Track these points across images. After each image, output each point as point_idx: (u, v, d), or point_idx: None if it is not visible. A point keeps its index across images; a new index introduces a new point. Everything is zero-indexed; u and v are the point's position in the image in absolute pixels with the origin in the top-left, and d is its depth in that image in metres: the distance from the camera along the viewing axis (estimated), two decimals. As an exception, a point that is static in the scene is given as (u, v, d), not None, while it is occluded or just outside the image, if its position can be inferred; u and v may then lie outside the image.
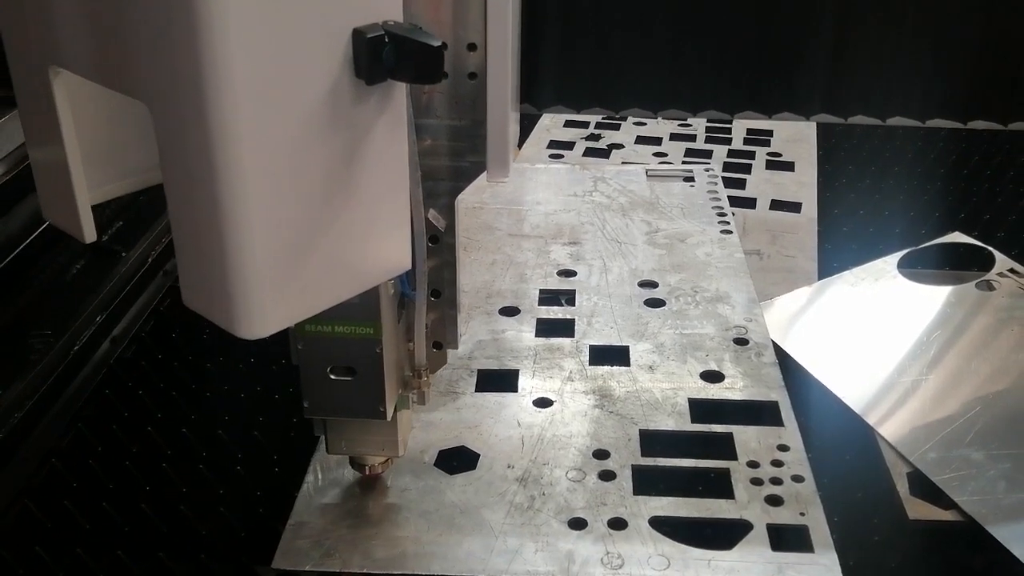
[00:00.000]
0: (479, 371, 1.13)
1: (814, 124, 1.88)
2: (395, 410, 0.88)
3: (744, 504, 0.94)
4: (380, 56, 0.60)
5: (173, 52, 0.56)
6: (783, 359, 1.16)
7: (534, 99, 1.97)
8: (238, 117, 0.56)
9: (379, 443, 0.91)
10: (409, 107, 0.67)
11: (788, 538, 0.90)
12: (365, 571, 0.87)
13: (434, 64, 0.61)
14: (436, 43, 0.60)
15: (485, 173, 0.84)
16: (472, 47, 0.78)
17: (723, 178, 1.62)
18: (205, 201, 0.59)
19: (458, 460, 1.00)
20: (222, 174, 0.57)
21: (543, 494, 0.95)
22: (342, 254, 0.66)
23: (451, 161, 0.83)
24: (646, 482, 0.97)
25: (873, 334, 1.22)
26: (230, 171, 0.57)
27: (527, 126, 1.87)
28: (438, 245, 0.87)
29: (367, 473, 0.94)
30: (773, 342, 1.18)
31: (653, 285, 1.31)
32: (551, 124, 1.89)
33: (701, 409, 1.07)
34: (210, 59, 0.54)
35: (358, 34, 0.59)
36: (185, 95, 0.56)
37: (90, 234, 0.74)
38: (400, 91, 0.65)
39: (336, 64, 0.60)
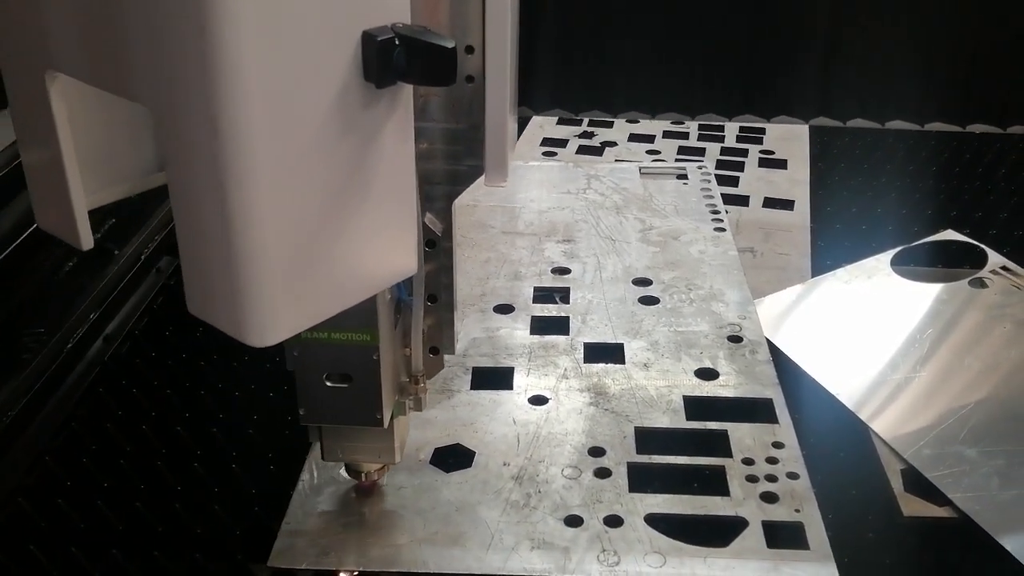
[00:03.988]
0: (474, 369, 1.13)
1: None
2: (392, 416, 0.87)
3: (739, 501, 0.94)
4: (390, 59, 0.59)
5: (183, 57, 0.55)
6: (776, 356, 1.16)
7: (529, 102, 1.97)
8: (248, 123, 0.55)
9: (375, 450, 0.89)
10: None
11: (783, 535, 0.90)
12: (361, 569, 0.87)
13: (447, 65, 0.60)
14: (449, 44, 0.59)
15: (482, 177, 0.83)
16: (470, 50, 0.76)
17: (716, 176, 1.63)
18: (213, 208, 0.58)
19: (454, 458, 1.00)
20: (232, 180, 0.56)
21: (539, 492, 0.95)
22: (350, 259, 0.65)
23: (448, 165, 0.82)
24: (641, 479, 0.97)
25: (866, 331, 1.23)
26: (240, 177, 0.56)
27: (519, 125, 1.87)
28: (435, 249, 0.86)
29: (363, 480, 0.93)
30: (767, 339, 1.19)
31: (647, 283, 1.31)
32: (544, 122, 1.89)
33: (696, 406, 1.07)
34: (220, 64, 0.53)
35: (368, 37, 0.58)
36: (194, 101, 0.55)
37: (87, 241, 0.72)
38: (408, 94, 0.64)
39: (345, 67, 0.58)
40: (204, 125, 0.55)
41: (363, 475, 0.93)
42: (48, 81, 0.67)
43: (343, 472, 0.96)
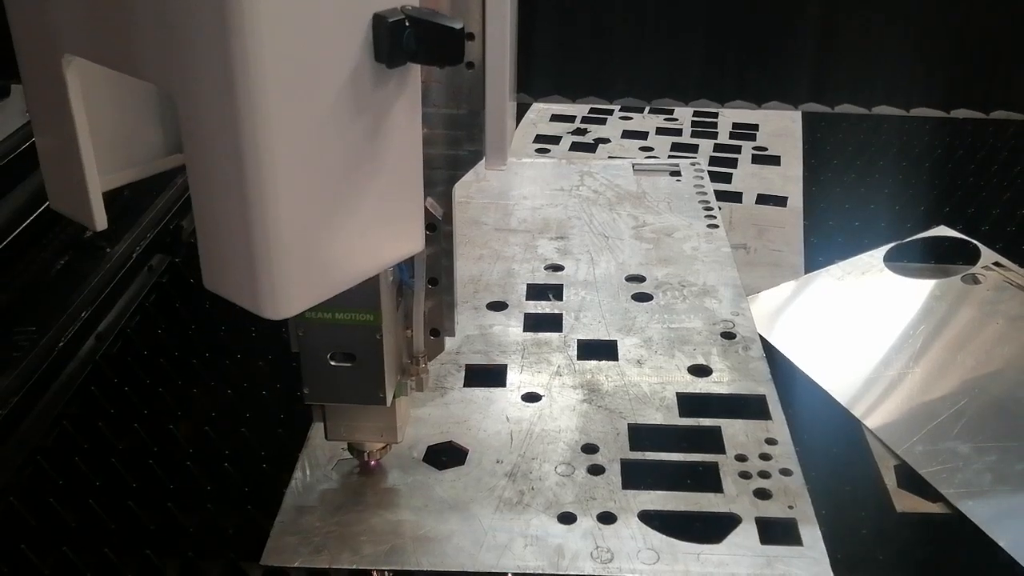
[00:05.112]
0: (467, 366, 1.13)
1: (799, 118, 1.88)
2: (394, 396, 0.89)
3: (733, 498, 0.94)
4: (400, 39, 0.61)
5: (200, 38, 0.56)
6: (769, 353, 1.16)
7: (527, 88, 1.96)
8: (265, 102, 0.57)
9: (378, 429, 0.92)
10: None
11: (777, 531, 0.90)
12: (354, 567, 0.87)
13: (455, 46, 0.62)
14: (457, 25, 0.61)
15: (482, 162, 0.84)
16: (470, 36, 0.78)
17: (709, 172, 1.63)
18: (231, 184, 0.59)
19: (447, 455, 1.00)
20: (249, 158, 0.58)
21: (532, 489, 0.95)
22: (361, 234, 0.67)
23: (448, 150, 0.83)
24: (635, 476, 0.97)
25: (860, 327, 1.23)
26: (257, 154, 0.58)
27: (516, 112, 1.86)
28: (435, 233, 0.87)
29: (366, 459, 0.95)
30: (760, 336, 1.19)
31: (640, 279, 1.31)
32: (537, 118, 1.88)
33: (689, 403, 1.07)
34: (237, 44, 0.55)
35: (379, 18, 0.60)
36: (212, 81, 0.57)
37: (101, 222, 0.74)
38: (416, 75, 0.66)
39: (357, 48, 0.61)
40: (221, 105, 0.57)
41: (366, 454, 0.94)
42: (65, 65, 0.68)
43: (335, 471, 0.97)
